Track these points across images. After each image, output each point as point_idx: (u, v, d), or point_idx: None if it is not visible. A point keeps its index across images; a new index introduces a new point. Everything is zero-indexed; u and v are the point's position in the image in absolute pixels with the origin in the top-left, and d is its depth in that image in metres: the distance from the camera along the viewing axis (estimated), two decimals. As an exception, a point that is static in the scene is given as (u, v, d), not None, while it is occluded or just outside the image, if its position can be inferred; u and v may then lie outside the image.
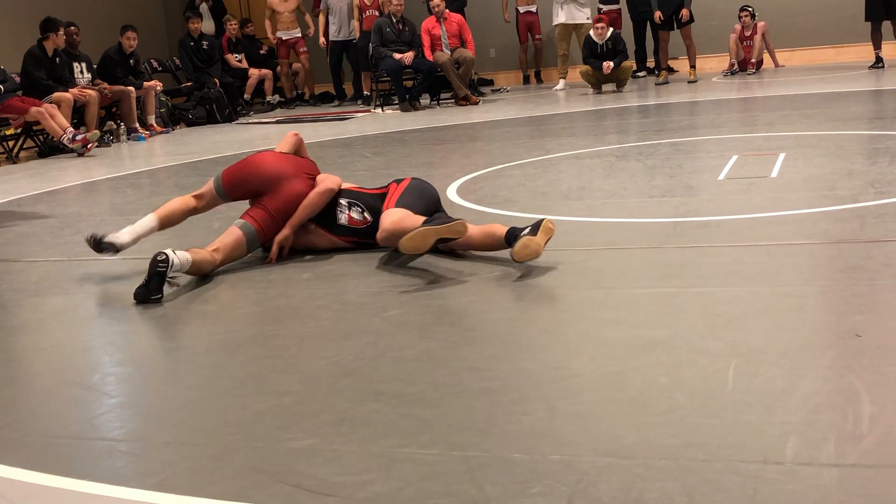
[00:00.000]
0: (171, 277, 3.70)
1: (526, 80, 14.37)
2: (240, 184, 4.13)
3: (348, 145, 8.51)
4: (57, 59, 9.95)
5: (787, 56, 13.37)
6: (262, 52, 13.79)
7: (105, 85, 10.49)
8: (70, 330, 3.42)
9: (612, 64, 11.27)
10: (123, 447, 2.30)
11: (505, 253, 3.69)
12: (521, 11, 13.64)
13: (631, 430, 2.12)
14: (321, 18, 13.13)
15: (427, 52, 11.51)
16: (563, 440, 2.11)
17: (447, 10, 11.76)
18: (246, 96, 13.29)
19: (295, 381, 2.63)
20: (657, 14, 11.61)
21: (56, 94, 9.64)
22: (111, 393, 2.71)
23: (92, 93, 10.01)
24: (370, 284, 3.58)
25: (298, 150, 4.38)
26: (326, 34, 13.12)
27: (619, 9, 13.14)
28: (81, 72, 10.44)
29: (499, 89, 13.61)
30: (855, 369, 2.36)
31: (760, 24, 12.64)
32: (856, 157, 5.50)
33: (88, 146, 9.26)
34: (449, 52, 11.57)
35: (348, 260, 3.99)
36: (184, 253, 3.68)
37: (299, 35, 13.67)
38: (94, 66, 10.78)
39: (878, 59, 11.43)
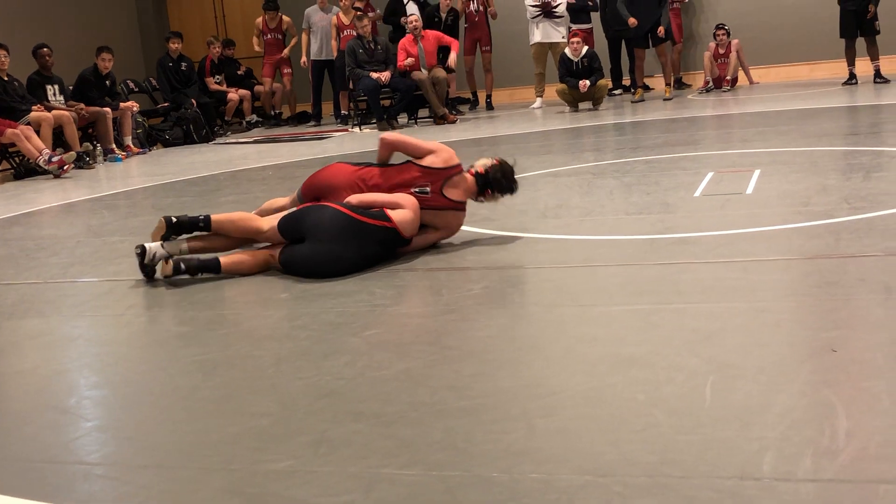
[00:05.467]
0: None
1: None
2: (311, 190, 4.68)
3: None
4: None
5: (762, 73, 13.49)
6: (239, 72, 13.79)
7: (81, 106, 10.46)
8: (46, 353, 3.39)
9: (588, 82, 11.32)
10: (100, 471, 2.28)
11: (481, 270, 3.69)
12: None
13: (609, 447, 2.12)
14: (304, 37, 13.15)
15: (399, 63, 11.49)
16: (542, 458, 2.11)
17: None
18: (227, 118, 13.28)
19: (272, 402, 2.62)
20: (631, 20, 11.57)
21: (34, 115, 9.60)
22: (87, 416, 2.68)
23: (66, 113, 9.97)
24: (347, 304, 3.57)
25: (398, 152, 4.56)
26: (308, 53, 13.15)
27: (591, 28, 13.20)
28: (55, 94, 10.40)
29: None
30: (831, 384, 2.38)
31: (735, 42, 12.76)
32: (830, 173, 5.55)
33: (65, 167, 9.21)
34: (426, 71, 11.60)
35: (325, 280, 3.98)
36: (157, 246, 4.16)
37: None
38: (70, 88, 10.74)
39: (852, 76, 11.55)
